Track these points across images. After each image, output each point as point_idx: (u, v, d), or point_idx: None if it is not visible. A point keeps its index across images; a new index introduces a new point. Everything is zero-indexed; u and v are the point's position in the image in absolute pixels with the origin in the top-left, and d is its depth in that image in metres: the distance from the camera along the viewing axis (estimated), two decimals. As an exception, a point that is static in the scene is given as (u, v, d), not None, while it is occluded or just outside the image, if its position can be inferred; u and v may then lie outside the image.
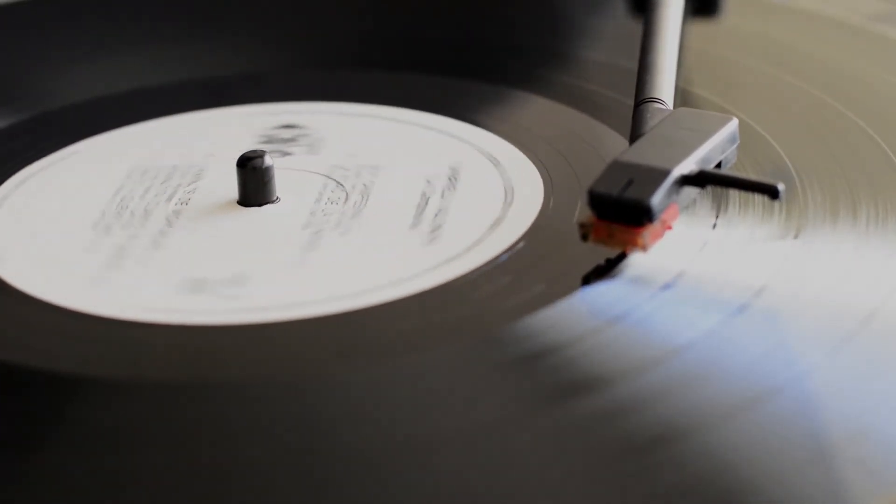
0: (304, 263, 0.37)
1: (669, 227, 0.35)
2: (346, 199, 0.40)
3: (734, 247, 0.36)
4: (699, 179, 0.36)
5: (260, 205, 0.39)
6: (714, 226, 0.37)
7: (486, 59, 0.49)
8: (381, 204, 0.39)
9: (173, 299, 0.35)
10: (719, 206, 0.38)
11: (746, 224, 0.37)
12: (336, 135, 0.43)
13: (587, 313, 0.34)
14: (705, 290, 0.35)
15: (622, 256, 0.36)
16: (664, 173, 0.35)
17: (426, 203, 0.39)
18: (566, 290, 0.35)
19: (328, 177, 0.41)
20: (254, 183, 0.39)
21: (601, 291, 0.35)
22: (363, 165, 0.41)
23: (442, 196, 0.40)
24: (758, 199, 0.38)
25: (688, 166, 0.36)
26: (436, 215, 0.39)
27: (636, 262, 0.35)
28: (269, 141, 0.43)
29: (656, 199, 0.34)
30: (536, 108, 0.45)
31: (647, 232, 0.34)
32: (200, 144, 0.43)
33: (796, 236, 0.37)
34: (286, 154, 0.42)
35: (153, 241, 0.38)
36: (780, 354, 0.32)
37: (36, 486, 0.30)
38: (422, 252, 0.37)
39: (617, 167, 0.35)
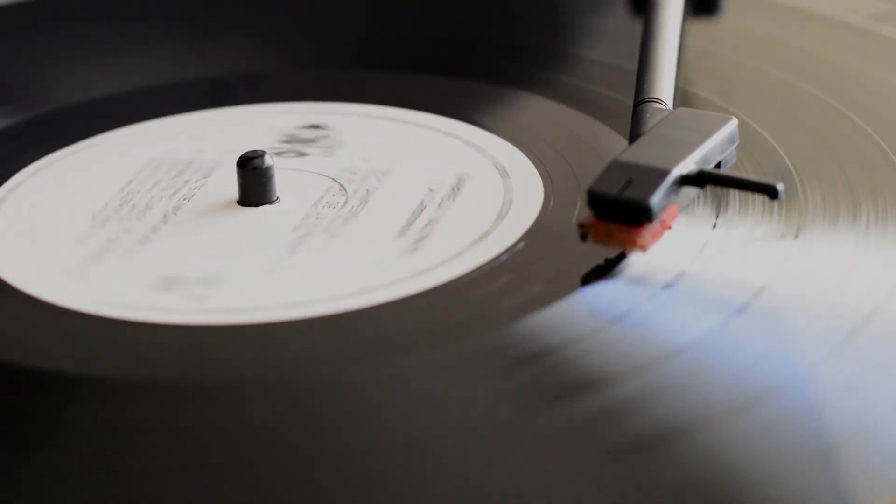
0: (281, 266, 0.37)
1: (669, 227, 0.35)
2: (345, 203, 0.40)
3: (734, 247, 0.36)
4: (698, 179, 0.36)
5: (259, 205, 0.39)
6: (714, 226, 0.37)
7: (485, 59, 0.49)
8: (375, 210, 0.39)
9: (142, 296, 0.35)
10: (719, 206, 0.38)
11: (746, 224, 0.37)
12: (356, 137, 0.43)
13: (587, 313, 0.34)
14: (705, 290, 0.35)
15: (622, 256, 0.36)
16: (663, 173, 0.35)
17: (420, 212, 0.39)
18: (566, 291, 0.35)
19: (335, 180, 0.41)
20: (253, 183, 0.39)
21: (601, 291, 0.35)
22: (372, 170, 0.41)
23: (439, 206, 0.39)
24: (758, 198, 0.38)
25: (687, 166, 0.36)
26: (425, 225, 0.38)
27: (636, 262, 0.35)
28: (290, 140, 0.43)
29: (656, 199, 0.34)
30: (536, 108, 0.45)
31: (647, 232, 0.34)
32: (220, 141, 0.43)
33: (796, 236, 0.37)
34: (302, 155, 0.42)
35: (143, 236, 0.38)
36: (780, 354, 0.32)
37: (34, 486, 0.30)
38: (399, 261, 0.37)
39: (616, 167, 0.35)
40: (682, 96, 0.44)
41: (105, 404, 0.32)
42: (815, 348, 0.32)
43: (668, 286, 0.35)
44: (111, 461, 0.30)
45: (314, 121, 0.44)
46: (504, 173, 0.41)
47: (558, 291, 0.35)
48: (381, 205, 0.39)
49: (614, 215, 0.35)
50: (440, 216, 0.39)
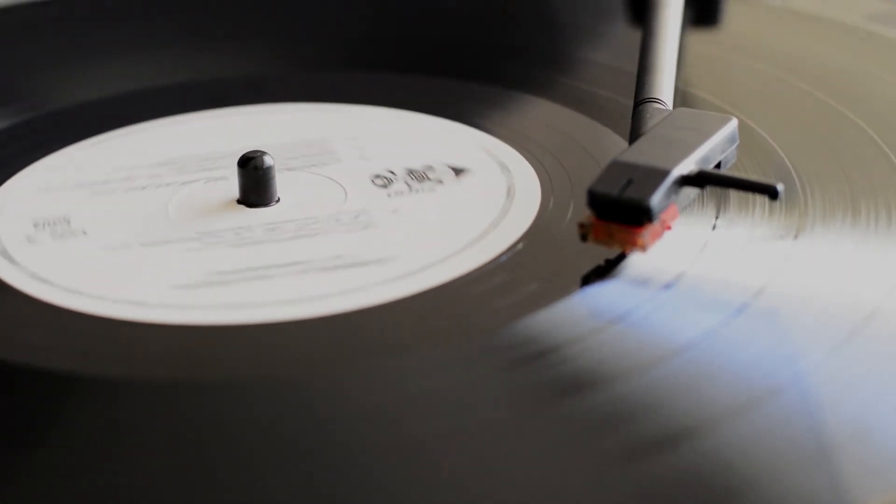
0: (308, 262, 0.37)
1: (669, 228, 0.35)
2: (346, 199, 0.40)
3: (734, 247, 0.36)
4: (698, 180, 0.36)
5: (260, 205, 0.39)
6: (714, 226, 0.37)
7: (484, 61, 0.49)
8: (380, 207, 0.39)
9: (168, 297, 0.35)
10: (719, 206, 0.38)
11: (746, 224, 0.37)
12: (347, 140, 0.43)
13: (587, 313, 0.34)
14: (705, 290, 0.35)
15: (622, 256, 0.36)
16: (664, 173, 0.35)
17: (429, 202, 0.39)
18: (566, 291, 0.35)
19: (330, 178, 0.41)
20: (254, 183, 0.39)
21: (601, 291, 0.35)
22: (370, 170, 0.41)
23: (445, 195, 0.40)
24: (758, 198, 0.38)
25: (687, 166, 0.36)
26: (438, 214, 0.39)
27: (636, 262, 0.35)
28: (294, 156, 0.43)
29: (656, 200, 0.34)
30: (536, 110, 0.45)
31: (647, 232, 0.34)
32: (221, 143, 0.43)
33: (796, 236, 0.37)
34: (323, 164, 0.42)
35: (153, 238, 0.38)
36: (780, 354, 0.32)
37: (34, 486, 0.30)
38: (433, 246, 0.37)
39: (617, 167, 0.35)
40: (683, 97, 0.44)
41: (105, 404, 0.32)
42: (815, 348, 0.32)
43: (668, 286, 0.35)
44: (111, 461, 0.30)
45: (307, 138, 0.44)
46: (504, 174, 0.41)
47: (558, 291, 0.35)
48: (385, 201, 0.40)
49: (615, 215, 0.35)
50: (450, 205, 0.39)
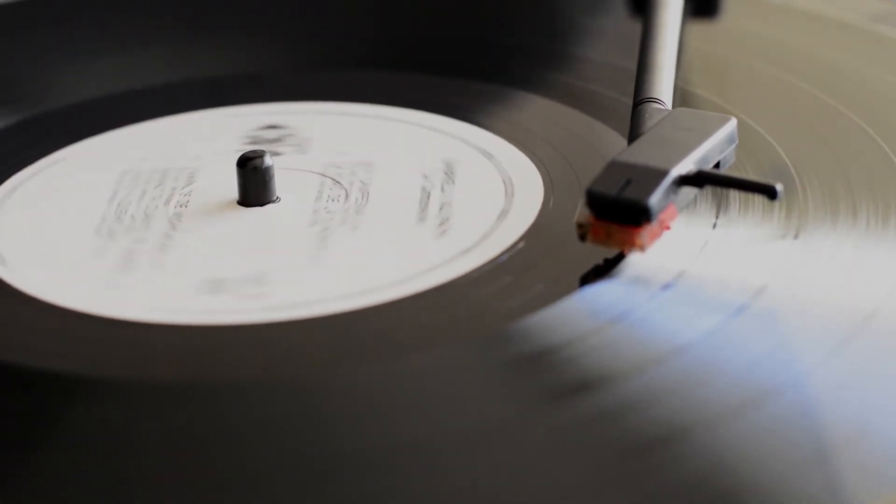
0: (319, 261, 0.37)
1: (668, 228, 0.35)
2: (347, 196, 0.40)
3: (734, 247, 0.36)
4: (697, 180, 0.36)
5: (261, 204, 0.39)
6: (714, 226, 0.37)
7: (484, 59, 0.49)
8: (383, 200, 0.39)
9: (193, 300, 0.35)
10: (719, 206, 0.38)
11: (746, 224, 0.37)
12: (322, 134, 0.43)
13: (587, 313, 0.34)
14: (705, 290, 0.35)
15: (621, 257, 0.36)
16: (662, 173, 0.35)
17: (428, 197, 0.39)
18: (566, 290, 0.35)
19: (323, 175, 0.41)
20: (254, 183, 0.39)
21: (601, 291, 0.35)
22: (356, 163, 0.41)
23: (442, 190, 0.40)
24: (758, 198, 0.38)
25: (686, 166, 0.36)
26: (440, 209, 0.39)
27: (636, 261, 0.35)
28: (255, 142, 0.43)
29: (654, 200, 0.34)
30: (536, 108, 0.45)
31: (645, 232, 0.34)
32: (187, 146, 0.43)
33: (796, 236, 0.37)
34: (276, 154, 0.42)
35: (160, 244, 0.38)
36: (780, 354, 0.32)
37: (34, 486, 0.30)
38: (433, 245, 0.37)
39: (615, 167, 0.35)
40: (683, 96, 0.44)
41: (105, 404, 0.32)
42: (815, 349, 0.32)
43: (668, 286, 0.35)
44: (111, 461, 0.30)
45: (272, 121, 0.44)
46: (503, 174, 0.41)
47: (558, 291, 0.35)
48: (385, 194, 0.40)
49: (613, 215, 0.35)
50: (450, 199, 0.39)
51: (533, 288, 0.35)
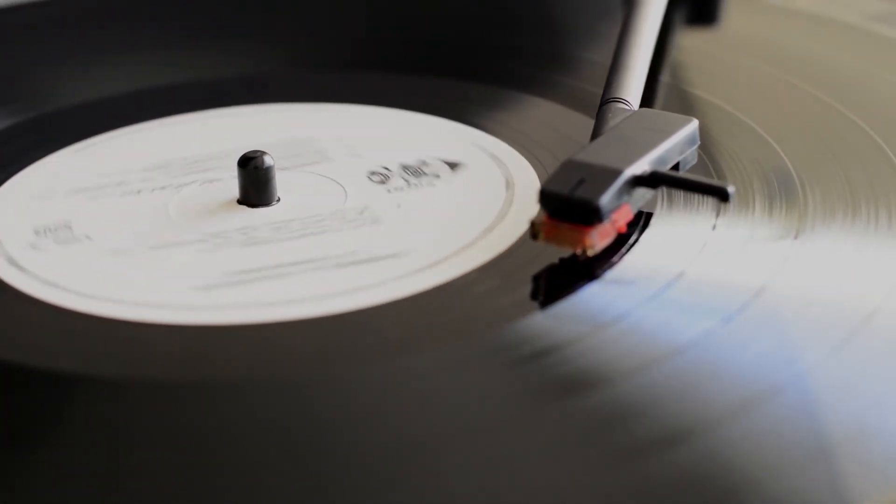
0: (319, 261, 0.37)
1: (623, 229, 0.35)
2: (346, 199, 0.40)
3: (734, 247, 0.36)
4: (651, 180, 0.36)
5: (261, 205, 0.39)
6: (714, 226, 0.37)
7: (485, 61, 0.49)
8: (383, 202, 0.39)
9: (188, 298, 0.35)
10: (719, 207, 0.38)
11: (746, 224, 0.37)
12: (338, 139, 0.43)
13: (587, 313, 0.34)
14: (705, 290, 0.35)
15: (620, 256, 0.36)
16: (616, 173, 0.35)
17: (430, 196, 0.39)
18: (566, 290, 0.35)
19: (325, 176, 0.41)
20: (255, 183, 0.39)
21: (601, 291, 0.35)
22: (364, 168, 0.41)
23: (446, 190, 0.40)
24: (758, 199, 0.38)
25: (641, 167, 0.35)
26: (443, 208, 0.39)
27: (636, 262, 0.35)
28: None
29: (605, 200, 0.34)
30: (536, 110, 0.45)
31: (596, 232, 0.34)
32: (216, 143, 0.43)
33: (796, 236, 0.37)
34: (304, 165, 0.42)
35: (158, 239, 0.38)
36: (780, 354, 0.32)
37: (34, 486, 0.30)
38: (433, 245, 0.37)
39: (570, 166, 0.35)
40: (683, 98, 0.44)
41: (105, 404, 0.32)
42: (815, 348, 0.32)
43: (668, 286, 0.35)
44: (111, 461, 0.30)
45: (294, 136, 0.44)
46: (503, 175, 0.41)
47: (558, 292, 0.35)
48: (384, 198, 0.40)
49: (565, 214, 0.35)
50: (453, 198, 0.39)
51: (532, 288, 0.35)
